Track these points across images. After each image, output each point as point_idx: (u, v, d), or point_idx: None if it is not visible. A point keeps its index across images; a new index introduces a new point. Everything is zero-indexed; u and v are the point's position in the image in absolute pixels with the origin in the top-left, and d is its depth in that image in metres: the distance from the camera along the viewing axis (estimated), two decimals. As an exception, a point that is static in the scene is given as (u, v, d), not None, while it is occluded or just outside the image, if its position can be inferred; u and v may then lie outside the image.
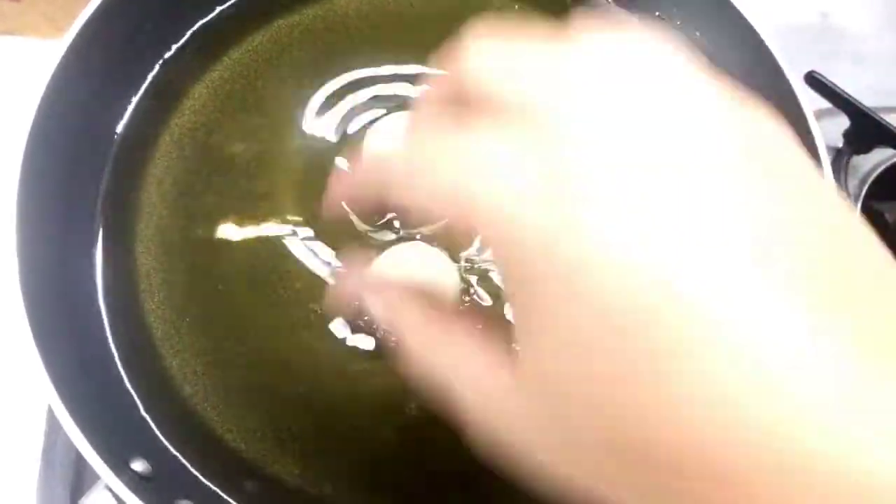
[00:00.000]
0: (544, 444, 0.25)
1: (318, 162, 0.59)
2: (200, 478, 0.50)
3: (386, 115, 0.59)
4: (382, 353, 0.54)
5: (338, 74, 0.62)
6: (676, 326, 0.20)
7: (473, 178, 0.24)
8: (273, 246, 0.56)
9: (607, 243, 0.22)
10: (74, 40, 0.54)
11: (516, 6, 0.66)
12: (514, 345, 0.25)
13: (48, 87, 0.52)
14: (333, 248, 0.56)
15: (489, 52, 0.27)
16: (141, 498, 0.43)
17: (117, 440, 0.47)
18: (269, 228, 0.57)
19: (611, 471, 0.23)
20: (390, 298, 0.32)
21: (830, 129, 0.69)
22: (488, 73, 0.27)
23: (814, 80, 0.68)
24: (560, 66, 0.25)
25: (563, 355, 0.23)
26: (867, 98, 0.70)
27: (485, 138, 0.24)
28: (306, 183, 0.58)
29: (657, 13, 0.65)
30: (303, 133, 0.60)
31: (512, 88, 0.25)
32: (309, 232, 0.56)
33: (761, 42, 0.59)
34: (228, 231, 0.57)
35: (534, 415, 0.24)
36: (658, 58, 0.25)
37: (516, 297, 0.25)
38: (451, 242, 0.56)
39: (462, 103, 0.27)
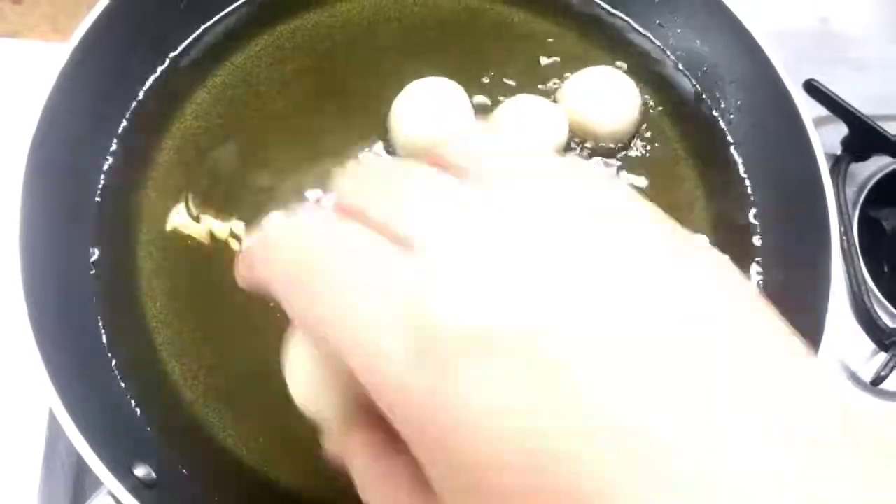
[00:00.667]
0: None
1: (323, 167, 0.59)
2: (202, 483, 0.50)
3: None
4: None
5: (341, 79, 0.62)
6: None
7: (350, 315, 0.23)
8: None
9: (502, 414, 0.20)
10: (78, 45, 0.54)
11: (517, 13, 0.66)
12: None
13: (53, 90, 0.52)
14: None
15: (370, 177, 0.26)
16: (144, 504, 0.43)
17: (120, 445, 0.47)
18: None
19: None
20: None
21: (829, 137, 0.69)
22: (368, 196, 0.25)
23: (813, 89, 0.69)
24: (442, 195, 0.24)
25: None
26: (866, 104, 0.71)
27: (372, 263, 0.23)
28: (310, 187, 0.58)
29: (657, 21, 0.65)
30: (306, 138, 0.60)
31: (394, 217, 0.24)
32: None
33: (760, 50, 0.60)
34: (230, 236, 0.57)
35: None
36: (584, 193, 0.24)
37: (424, 465, 0.23)
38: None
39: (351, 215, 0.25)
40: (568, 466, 0.19)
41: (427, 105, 0.58)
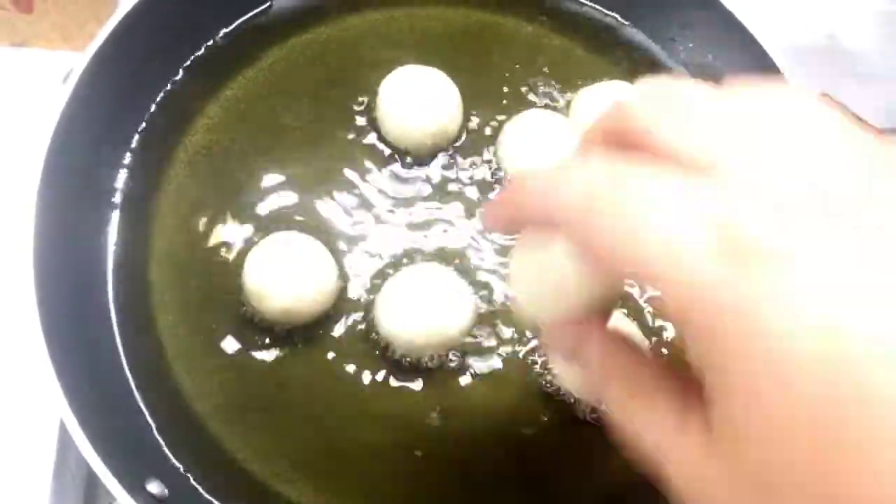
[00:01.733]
0: None
1: (332, 180, 0.59)
2: (214, 499, 0.50)
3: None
4: (396, 378, 0.54)
5: (354, 93, 0.62)
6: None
7: (653, 226, 0.23)
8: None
9: (810, 314, 0.21)
10: (92, 58, 0.54)
11: (529, 27, 0.66)
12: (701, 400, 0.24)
13: (67, 102, 0.52)
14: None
15: (660, 97, 0.27)
16: (157, 520, 0.43)
17: (132, 460, 0.47)
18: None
19: None
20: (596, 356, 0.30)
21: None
22: (659, 117, 0.26)
23: (824, 103, 0.68)
24: (731, 116, 0.25)
25: (764, 444, 0.22)
26: (875, 120, 0.71)
27: (665, 185, 0.24)
28: (322, 205, 0.58)
29: (670, 36, 0.66)
30: (318, 151, 0.60)
31: (686, 138, 0.25)
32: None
33: (773, 65, 0.60)
34: (242, 249, 0.56)
35: (734, 488, 0.23)
36: (818, 114, 0.25)
37: (710, 369, 0.23)
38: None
39: (626, 147, 0.27)
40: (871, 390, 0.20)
41: (414, 93, 0.58)
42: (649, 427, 0.27)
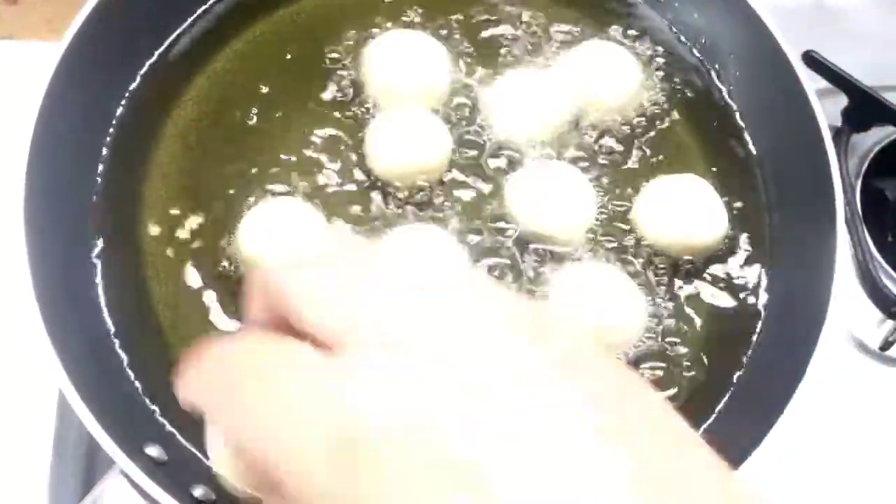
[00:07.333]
0: None
1: (324, 151, 0.59)
2: (212, 465, 0.50)
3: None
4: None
5: (340, 63, 0.62)
6: None
7: (278, 438, 0.24)
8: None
9: None
10: (73, 39, 0.54)
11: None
12: None
13: (49, 85, 0.52)
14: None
15: (312, 281, 0.27)
16: (156, 482, 0.43)
17: (130, 426, 0.47)
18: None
19: None
20: None
21: (830, 109, 0.69)
22: (307, 299, 0.26)
23: (812, 60, 0.68)
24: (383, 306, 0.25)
25: None
26: (864, 77, 0.70)
27: (297, 379, 0.25)
28: (311, 172, 0.58)
29: (656, -5, 0.66)
30: (306, 123, 0.60)
31: (325, 322, 0.25)
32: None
33: (761, 23, 0.60)
34: (235, 219, 0.56)
35: None
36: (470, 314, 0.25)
37: None
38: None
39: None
40: None
41: (400, 58, 0.59)
42: None
